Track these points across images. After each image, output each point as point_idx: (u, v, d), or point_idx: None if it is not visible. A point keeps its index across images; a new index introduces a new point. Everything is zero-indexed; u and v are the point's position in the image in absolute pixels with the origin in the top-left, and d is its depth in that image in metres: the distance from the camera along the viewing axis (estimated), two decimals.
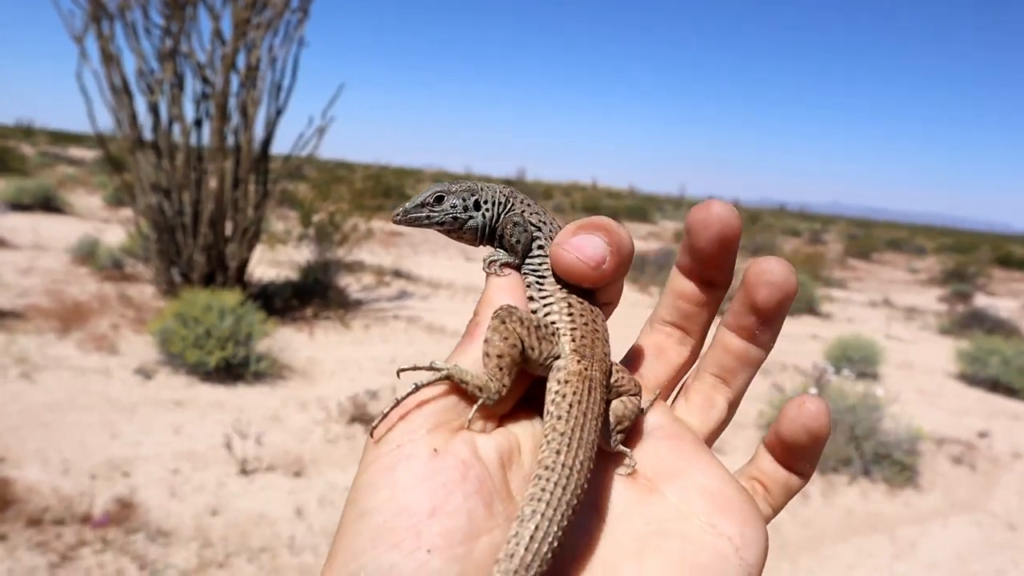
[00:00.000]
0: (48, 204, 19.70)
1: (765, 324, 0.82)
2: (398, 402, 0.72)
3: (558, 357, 0.79)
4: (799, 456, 0.83)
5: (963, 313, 18.01)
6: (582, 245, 0.79)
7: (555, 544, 0.66)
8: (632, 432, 0.81)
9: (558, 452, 0.70)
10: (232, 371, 7.95)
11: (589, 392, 0.76)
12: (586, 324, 0.82)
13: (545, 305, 0.83)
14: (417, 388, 0.73)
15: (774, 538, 5.60)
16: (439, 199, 0.91)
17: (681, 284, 0.85)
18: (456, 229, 0.91)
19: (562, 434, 0.72)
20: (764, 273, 0.78)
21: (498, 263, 0.87)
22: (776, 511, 0.84)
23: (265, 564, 4.77)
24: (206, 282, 10.33)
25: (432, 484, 0.66)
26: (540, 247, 0.89)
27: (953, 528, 6.56)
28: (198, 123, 10.58)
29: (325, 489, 5.84)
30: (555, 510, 0.67)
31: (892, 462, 7.21)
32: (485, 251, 0.92)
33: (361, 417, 7.18)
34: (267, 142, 10.93)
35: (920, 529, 6.44)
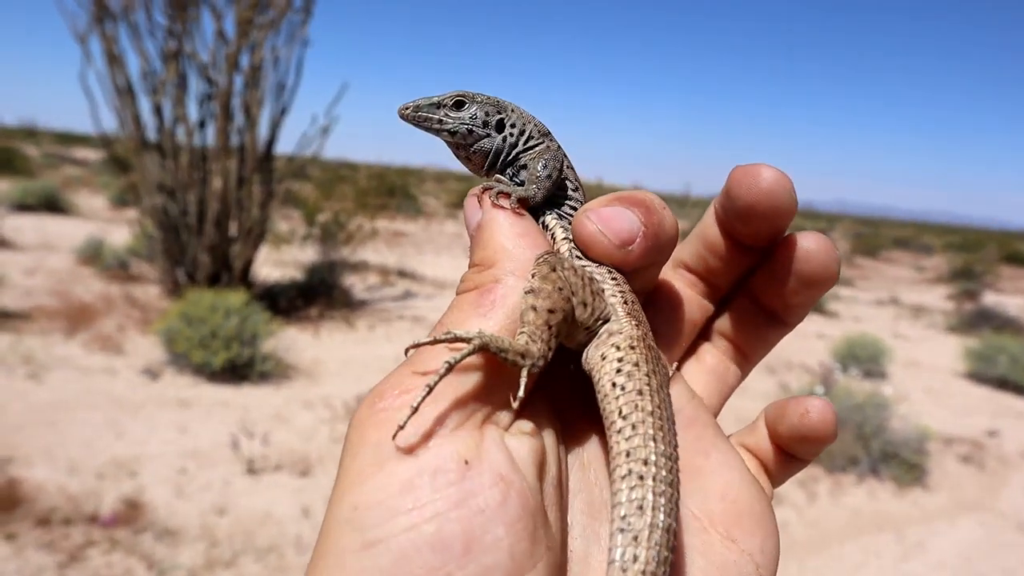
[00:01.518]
0: (53, 205, 19.74)
1: (801, 301, 0.73)
2: (430, 389, 0.57)
3: (607, 320, 0.68)
4: (801, 454, 0.76)
5: (970, 311, 17.94)
6: (611, 217, 0.68)
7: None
8: None
9: (654, 439, 0.59)
10: (237, 371, 7.96)
11: (658, 362, 0.65)
12: (630, 292, 0.71)
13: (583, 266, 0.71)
14: (450, 367, 0.58)
15: (781, 537, 5.56)
16: (459, 104, 0.78)
17: (714, 236, 0.74)
18: (466, 145, 0.78)
19: (651, 413, 0.60)
20: (809, 251, 0.71)
21: (506, 194, 0.71)
22: (776, 487, 0.78)
23: (271, 563, 4.76)
24: (211, 282, 10.35)
25: (467, 511, 0.52)
26: (571, 198, 0.78)
27: (961, 528, 6.53)
28: (202, 123, 10.59)
29: (331, 488, 5.82)
30: (670, 517, 0.56)
31: (900, 461, 7.18)
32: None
33: None
34: (271, 142, 10.94)
35: (928, 529, 6.41)
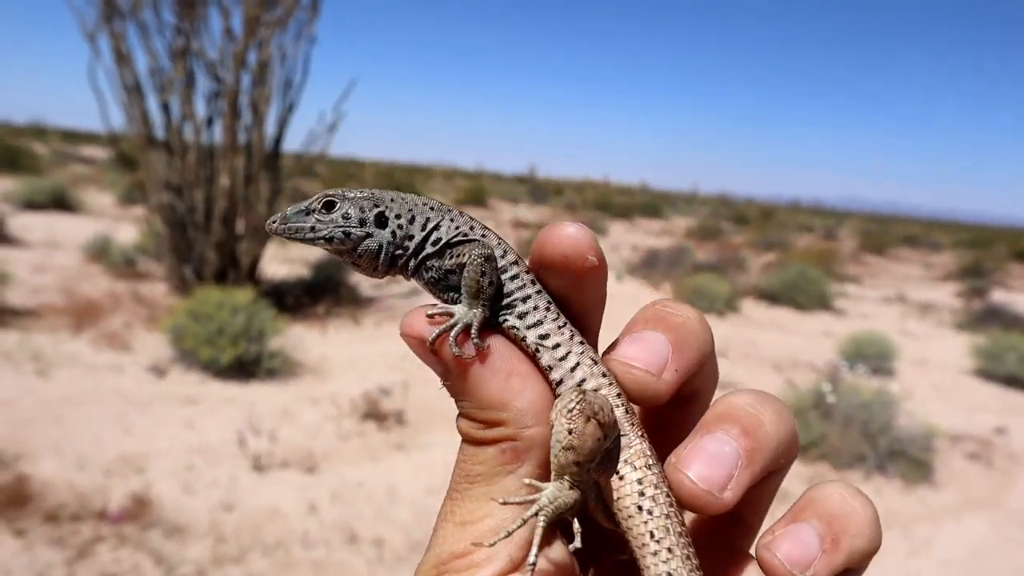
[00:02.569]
0: (61, 203, 19.83)
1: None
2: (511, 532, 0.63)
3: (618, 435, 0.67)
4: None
5: (979, 308, 17.84)
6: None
7: None
8: None
9: (689, 558, 0.64)
10: (244, 368, 7.98)
11: (663, 470, 0.67)
12: (614, 384, 0.69)
13: (561, 359, 0.68)
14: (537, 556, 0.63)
15: None
16: (328, 205, 0.70)
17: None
18: (348, 250, 0.70)
19: (680, 535, 0.65)
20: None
21: (472, 330, 0.65)
22: None
23: (279, 559, 4.78)
24: (218, 279, 10.39)
25: None
26: (515, 277, 0.70)
27: (968, 525, 6.50)
28: (210, 121, 10.63)
29: (337, 484, 5.85)
30: None
31: (907, 459, 7.16)
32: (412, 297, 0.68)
33: (373, 413, 7.19)
34: (278, 139, 10.98)
35: (935, 526, 6.39)
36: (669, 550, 0.63)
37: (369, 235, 0.70)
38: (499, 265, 0.69)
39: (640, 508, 0.65)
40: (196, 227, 10.63)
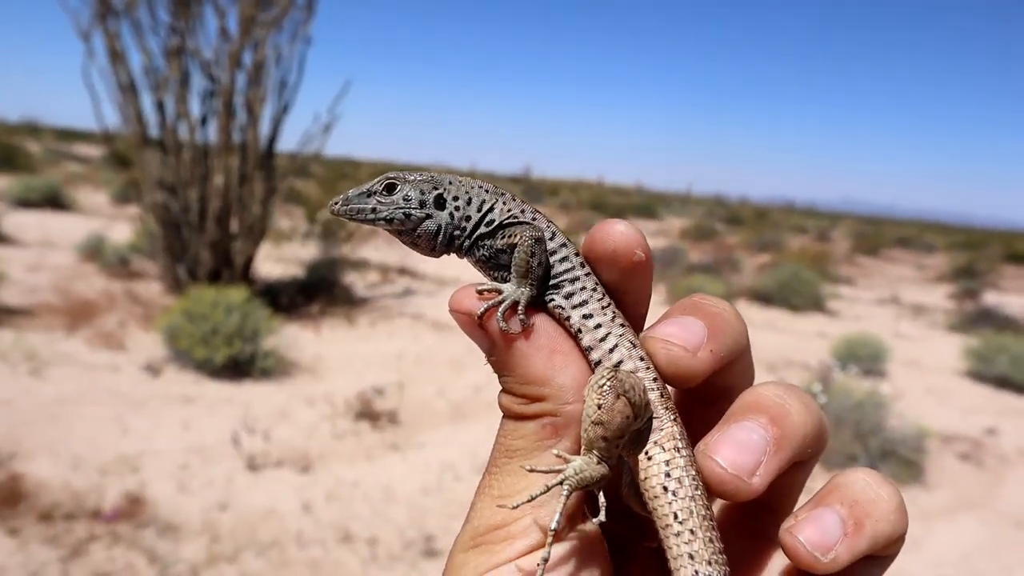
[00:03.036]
0: (55, 201, 19.77)
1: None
2: (552, 543, 0.65)
3: (650, 416, 0.69)
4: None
5: (972, 310, 17.93)
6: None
7: None
8: None
9: (712, 540, 0.67)
10: (239, 367, 7.98)
11: (693, 454, 0.69)
12: (651, 368, 0.71)
13: (601, 340, 0.70)
14: (560, 521, 0.65)
15: None
16: (390, 187, 0.73)
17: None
18: (408, 231, 0.73)
19: (704, 517, 0.67)
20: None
21: (519, 307, 0.68)
22: None
23: (274, 558, 4.79)
24: (212, 279, 10.38)
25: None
26: (564, 259, 0.73)
27: (960, 526, 6.54)
28: (204, 120, 10.62)
29: (332, 484, 5.86)
30: None
31: (898, 459, 7.20)
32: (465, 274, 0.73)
33: (368, 413, 7.20)
34: (273, 139, 10.97)
35: (926, 527, 6.43)
36: (692, 531, 0.65)
37: (428, 216, 0.73)
38: (548, 247, 0.72)
39: (665, 489, 0.67)
40: (190, 226, 10.62)
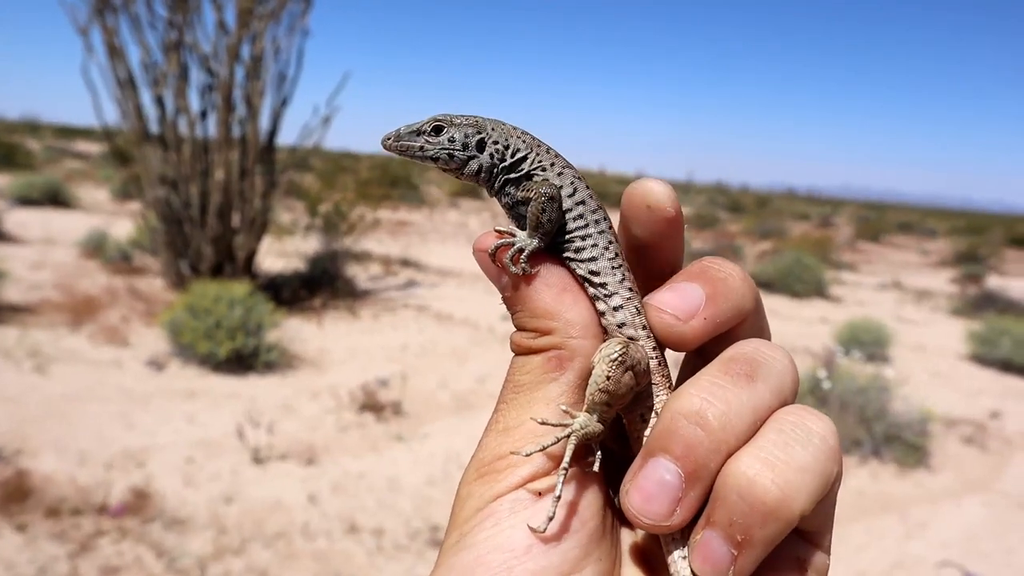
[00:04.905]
0: (56, 198, 19.79)
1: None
2: (566, 471, 0.69)
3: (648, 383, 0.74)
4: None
5: (975, 294, 17.91)
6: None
7: None
8: None
9: None
10: (243, 361, 8.00)
11: None
12: (660, 349, 0.75)
13: (607, 296, 0.74)
14: (566, 472, 0.69)
15: None
16: (437, 129, 0.79)
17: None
18: (453, 169, 0.79)
19: None
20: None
21: (523, 255, 0.72)
22: None
23: (280, 550, 4.82)
24: (214, 273, 10.38)
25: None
26: (579, 217, 0.76)
27: (964, 508, 6.56)
28: (204, 114, 10.60)
29: (338, 476, 5.88)
30: None
31: (903, 443, 7.21)
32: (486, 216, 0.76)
33: (372, 405, 7.22)
34: (273, 133, 10.95)
35: (931, 509, 6.44)
36: None
37: (472, 157, 0.78)
38: (565, 206, 0.76)
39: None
40: (192, 221, 10.62)
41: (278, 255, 13.09)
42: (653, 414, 0.73)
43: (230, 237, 10.78)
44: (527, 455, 0.69)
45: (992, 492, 6.95)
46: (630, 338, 0.73)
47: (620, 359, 0.68)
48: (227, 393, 7.41)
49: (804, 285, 16.56)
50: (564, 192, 0.76)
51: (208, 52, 10.38)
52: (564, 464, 0.69)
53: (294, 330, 9.48)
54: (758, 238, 29.19)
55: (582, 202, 0.77)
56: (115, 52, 10.22)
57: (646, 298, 0.74)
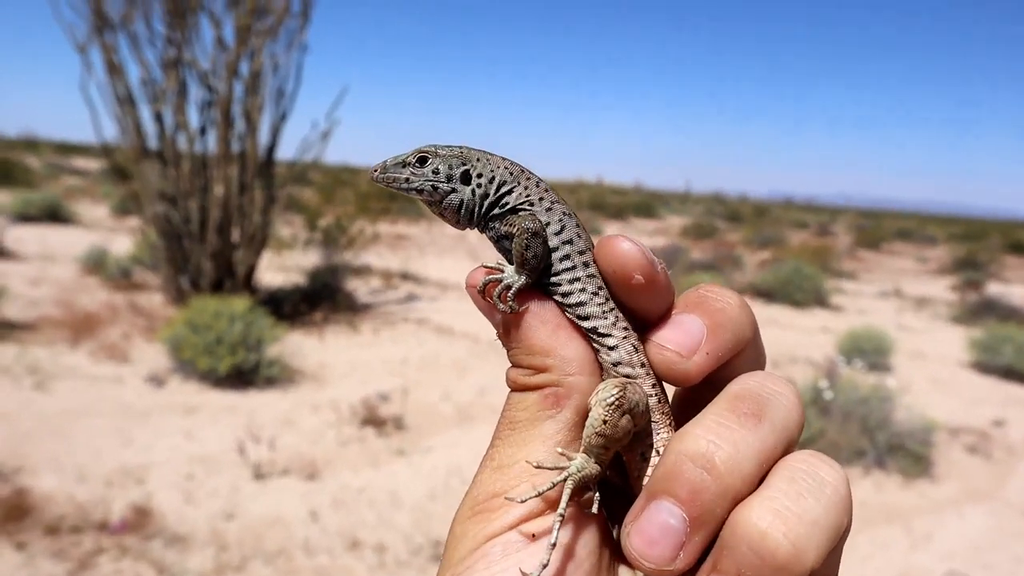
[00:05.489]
0: (55, 215, 19.81)
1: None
2: (562, 518, 0.68)
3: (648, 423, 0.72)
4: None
5: (975, 301, 17.90)
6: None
7: None
8: None
9: None
10: (243, 376, 7.98)
11: None
12: (660, 386, 0.73)
13: (611, 349, 0.71)
14: (562, 520, 0.67)
15: None
16: (422, 160, 0.76)
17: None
18: (435, 202, 0.76)
19: None
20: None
21: (510, 292, 0.70)
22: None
23: (281, 566, 4.78)
24: (215, 289, 10.38)
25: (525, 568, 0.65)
26: (566, 257, 0.73)
27: (969, 518, 6.52)
28: (203, 130, 10.63)
29: (338, 491, 5.85)
30: None
31: (906, 453, 7.18)
32: (479, 251, 0.75)
33: (373, 419, 7.20)
34: (272, 148, 10.98)
35: (935, 519, 6.41)
36: None
37: (454, 190, 0.76)
38: (552, 244, 0.73)
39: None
40: (191, 237, 10.62)
41: (278, 270, 13.09)
42: (654, 452, 0.71)
43: (230, 252, 10.78)
44: (522, 502, 0.67)
45: (997, 501, 6.91)
46: (628, 376, 0.71)
47: (617, 403, 0.66)
48: (227, 408, 7.39)
49: (804, 294, 16.55)
50: (551, 229, 0.74)
51: (207, 68, 10.42)
52: (560, 510, 0.67)
53: (295, 345, 9.46)
54: (757, 247, 29.21)
55: (569, 241, 0.74)
56: (114, 69, 10.26)
57: (648, 335, 0.71)
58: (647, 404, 0.70)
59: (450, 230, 28.42)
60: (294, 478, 6.01)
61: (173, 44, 10.25)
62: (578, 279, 0.72)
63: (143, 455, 6.18)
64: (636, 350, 0.72)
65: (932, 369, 11.72)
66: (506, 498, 0.67)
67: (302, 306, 11.62)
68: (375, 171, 0.79)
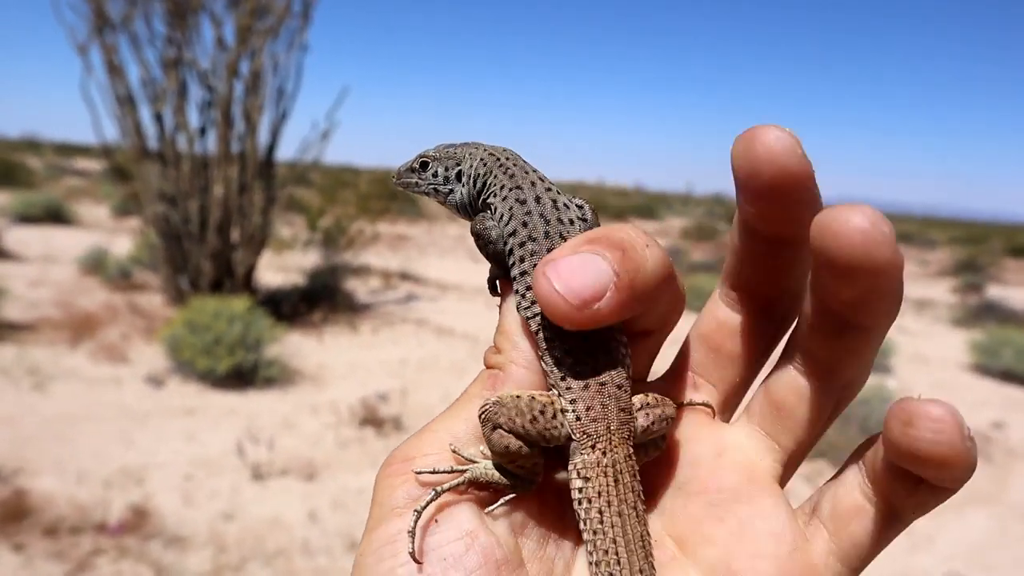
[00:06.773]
0: (56, 216, 19.80)
1: (850, 296, 0.58)
2: (418, 514, 0.61)
3: (570, 437, 0.65)
4: (922, 476, 0.61)
5: (975, 304, 17.89)
6: (572, 272, 0.56)
7: None
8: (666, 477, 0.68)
9: (619, 563, 0.61)
10: (242, 377, 7.97)
11: (617, 484, 0.63)
12: (586, 380, 0.64)
13: (541, 352, 0.66)
14: (437, 495, 0.62)
15: None
16: (423, 165, 0.79)
17: (736, 238, 0.64)
18: (444, 203, 0.79)
19: (606, 552, 0.61)
20: (837, 230, 0.54)
21: (494, 280, 0.72)
22: (902, 524, 0.65)
23: (280, 568, 4.77)
24: (214, 289, 10.37)
25: (430, 559, 0.59)
26: (510, 252, 0.69)
27: (970, 520, 6.51)
28: (203, 130, 10.63)
29: (338, 492, 5.84)
30: None
31: None
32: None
33: (372, 420, 7.19)
34: (272, 148, 10.97)
35: (936, 522, 6.39)
36: (594, 548, 0.62)
37: (452, 191, 0.78)
38: (503, 236, 0.70)
39: (576, 513, 0.64)
40: (191, 237, 10.62)
41: (278, 270, 13.09)
42: (575, 475, 0.64)
43: (229, 252, 10.78)
44: (417, 472, 0.63)
45: (998, 504, 6.90)
46: (552, 387, 0.65)
47: (483, 416, 0.63)
48: (226, 409, 7.38)
49: None
50: (502, 221, 0.70)
51: (207, 68, 10.42)
52: (440, 488, 0.62)
53: (294, 345, 9.46)
54: None
55: (513, 233, 0.69)
56: (114, 70, 10.25)
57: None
58: (534, 421, 0.62)
59: (452, 230, 28.46)
60: (293, 479, 6.00)
61: (173, 44, 10.25)
62: (524, 273, 0.67)
63: (142, 456, 6.17)
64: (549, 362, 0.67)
65: (932, 371, 11.71)
66: (412, 470, 0.63)
67: (301, 306, 11.61)
68: (394, 177, 0.82)
